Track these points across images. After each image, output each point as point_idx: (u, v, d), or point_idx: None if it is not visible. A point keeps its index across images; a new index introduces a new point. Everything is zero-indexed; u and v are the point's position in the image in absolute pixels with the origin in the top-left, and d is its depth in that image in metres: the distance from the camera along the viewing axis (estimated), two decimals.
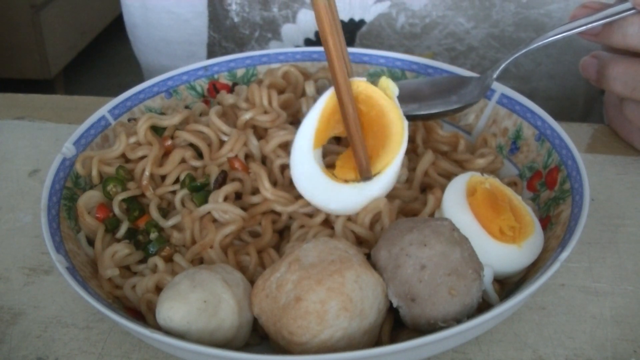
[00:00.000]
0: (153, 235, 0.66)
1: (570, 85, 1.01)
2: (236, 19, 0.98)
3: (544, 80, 0.99)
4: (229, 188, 0.67)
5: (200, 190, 0.68)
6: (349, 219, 0.65)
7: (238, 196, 0.69)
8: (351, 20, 0.96)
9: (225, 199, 0.67)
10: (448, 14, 0.95)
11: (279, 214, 0.68)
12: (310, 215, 0.67)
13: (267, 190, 0.67)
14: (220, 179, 0.68)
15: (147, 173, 0.69)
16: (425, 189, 0.71)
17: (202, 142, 0.72)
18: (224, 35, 1.00)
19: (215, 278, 0.57)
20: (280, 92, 0.78)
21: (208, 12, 1.00)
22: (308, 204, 0.67)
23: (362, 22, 0.96)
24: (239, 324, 0.56)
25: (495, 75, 0.73)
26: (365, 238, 0.65)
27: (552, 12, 0.94)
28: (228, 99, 0.77)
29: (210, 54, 1.03)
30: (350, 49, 0.87)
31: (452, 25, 0.96)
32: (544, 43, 0.72)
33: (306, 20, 0.96)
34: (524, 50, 0.72)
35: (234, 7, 0.97)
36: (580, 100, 1.05)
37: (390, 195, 0.68)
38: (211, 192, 0.67)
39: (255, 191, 0.69)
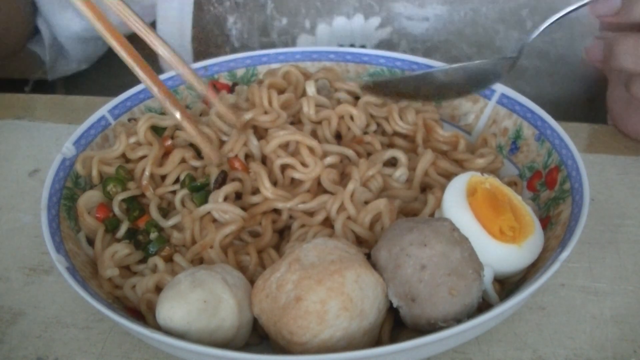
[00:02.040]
0: (153, 235, 0.66)
1: (573, 98, 1.01)
2: (236, 44, 0.98)
3: (545, 105, 1.00)
4: (228, 188, 0.67)
5: (200, 190, 0.68)
6: (349, 218, 0.65)
7: (238, 196, 0.69)
8: (352, 47, 0.96)
9: (225, 199, 0.67)
10: (450, 39, 0.95)
11: (279, 213, 0.68)
12: (311, 214, 0.67)
13: (267, 189, 0.67)
14: (220, 179, 0.68)
15: (147, 173, 0.69)
16: (425, 188, 0.71)
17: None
18: None
19: (215, 278, 0.57)
20: (281, 92, 0.78)
21: (192, 48, 1.00)
22: (308, 199, 0.67)
23: (363, 49, 0.96)
24: (239, 324, 0.56)
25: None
26: (365, 238, 0.65)
27: (556, 40, 0.94)
28: (228, 99, 0.77)
29: None
30: (351, 50, 0.87)
31: (454, 50, 0.95)
32: (559, 16, 0.71)
33: (306, 46, 0.97)
34: (541, 29, 0.72)
35: (233, 32, 0.98)
36: (581, 106, 1.05)
37: (391, 195, 0.68)
38: (211, 192, 0.67)
39: (256, 191, 0.69)
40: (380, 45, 0.96)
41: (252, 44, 0.98)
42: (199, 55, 1.00)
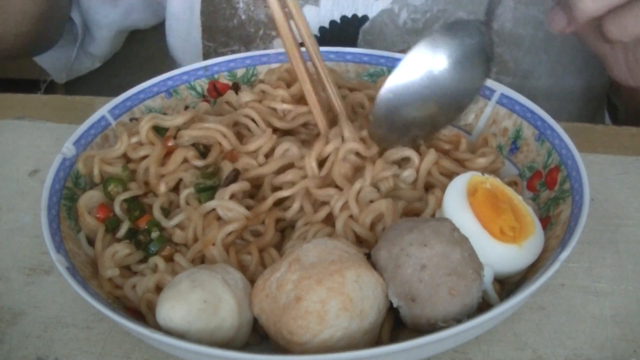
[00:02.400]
0: (154, 234, 0.66)
1: (569, 85, 1.01)
2: (243, 17, 0.98)
3: (543, 79, 0.99)
4: (236, 187, 0.67)
5: (207, 191, 0.68)
6: (351, 217, 0.65)
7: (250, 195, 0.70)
8: (354, 16, 0.96)
9: (232, 197, 0.67)
10: (448, 8, 0.95)
11: (284, 209, 0.67)
12: (315, 210, 0.67)
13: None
14: (232, 177, 0.68)
15: (152, 170, 0.69)
16: (427, 188, 0.71)
17: (214, 139, 0.72)
18: (228, 37, 1.00)
19: (215, 278, 0.57)
20: (288, 85, 0.78)
21: (201, 21, 1.00)
22: (316, 184, 0.66)
23: (365, 18, 0.96)
24: (239, 323, 0.56)
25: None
26: (366, 238, 0.64)
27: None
28: (243, 97, 0.76)
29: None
30: (351, 49, 0.87)
31: (452, 19, 0.95)
32: None
33: (310, 16, 0.97)
34: None
35: (241, 5, 0.98)
36: (581, 102, 1.04)
37: (396, 196, 0.68)
38: (218, 190, 0.67)
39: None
40: (381, 14, 0.96)
41: (258, 15, 0.98)
42: (207, 29, 1.00)
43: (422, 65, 0.67)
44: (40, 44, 1.06)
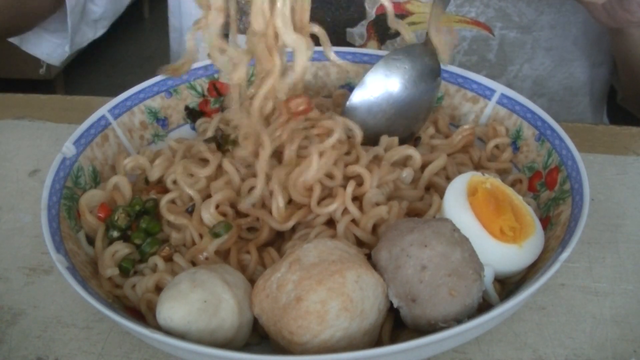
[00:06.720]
0: (145, 243, 0.66)
1: (571, 35, 1.01)
2: None
3: (545, 30, 0.99)
4: (219, 196, 0.66)
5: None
6: (353, 220, 0.65)
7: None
8: None
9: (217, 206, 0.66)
10: None
11: None
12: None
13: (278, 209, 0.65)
14: (190, 209, 0.68)
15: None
16: (429, 187, 0.71)
17: None
18: None
19: (216, 278, 0.57)
20: None
21: None
22: (305, 214, 0.66)
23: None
24: (239, 324, 0.56)
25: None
26: (367, 242, 0.64)
27: None
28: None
29: None
30: (351, 49, 0.86)
31: None
32: None
33: None
34: None
35: None
36: (583, 49, 1.04)
37: (397, 196, 0.68)
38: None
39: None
40: None
41: None
42: None
43: (379, 85, 0.75)
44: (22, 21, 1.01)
